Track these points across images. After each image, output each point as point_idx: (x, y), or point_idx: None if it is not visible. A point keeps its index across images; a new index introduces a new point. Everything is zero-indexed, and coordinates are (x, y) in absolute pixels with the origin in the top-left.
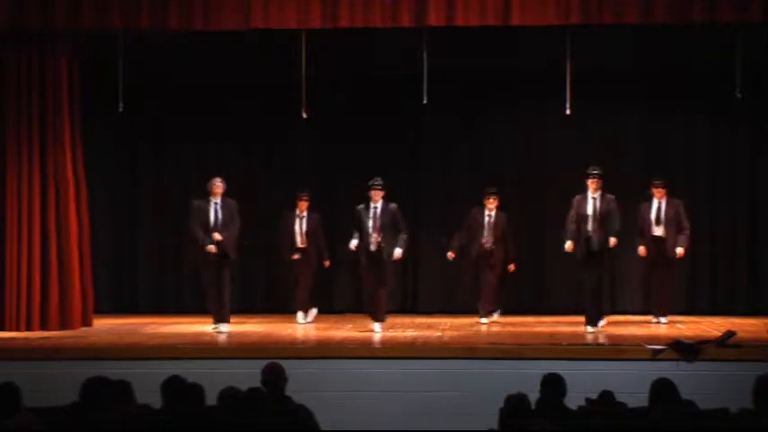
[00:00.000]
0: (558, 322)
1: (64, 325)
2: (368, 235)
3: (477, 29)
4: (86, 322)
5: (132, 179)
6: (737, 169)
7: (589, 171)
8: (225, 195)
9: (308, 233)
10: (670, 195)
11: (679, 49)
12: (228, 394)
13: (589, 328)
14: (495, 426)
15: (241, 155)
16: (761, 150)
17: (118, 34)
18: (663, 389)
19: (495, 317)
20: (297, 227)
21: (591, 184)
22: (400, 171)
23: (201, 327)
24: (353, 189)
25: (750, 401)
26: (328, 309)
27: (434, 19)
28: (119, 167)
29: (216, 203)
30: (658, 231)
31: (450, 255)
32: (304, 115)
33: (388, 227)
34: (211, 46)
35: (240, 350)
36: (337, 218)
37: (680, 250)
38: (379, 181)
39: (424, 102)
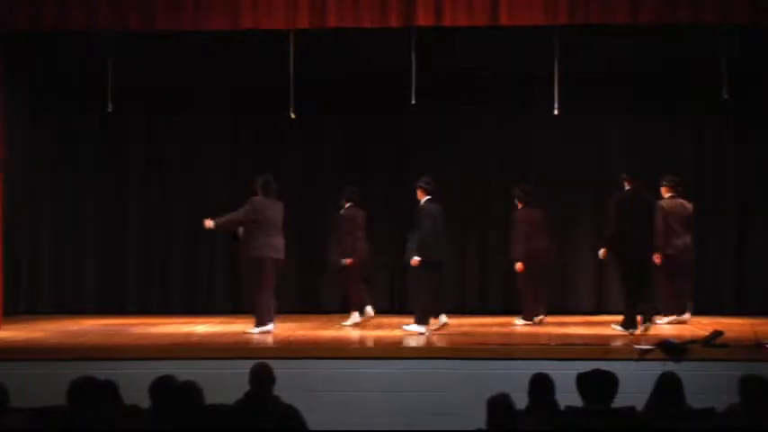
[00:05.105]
0: (546, 322)
1: None
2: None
3: (466, 29)
4: None
5: (120, 179)
6: (723, 170)
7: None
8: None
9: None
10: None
11: (666, 49)
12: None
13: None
14: (482, 426)
15: (229, 154)
16: (747, 151)
17: (106, 34)
18: (669, 385)
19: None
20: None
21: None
22: (388, 171)
23: (190, 327)
24: (341, 189)
25: (737, 401)
26: (316, 309)
27: (423, 19)
28: (107, 167)
29: None
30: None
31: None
32: (292, 115)
33: (414, 227)
34: (200, 46)
35: (228, 350)
36: (325, 218)
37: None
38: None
39: (413, 102)
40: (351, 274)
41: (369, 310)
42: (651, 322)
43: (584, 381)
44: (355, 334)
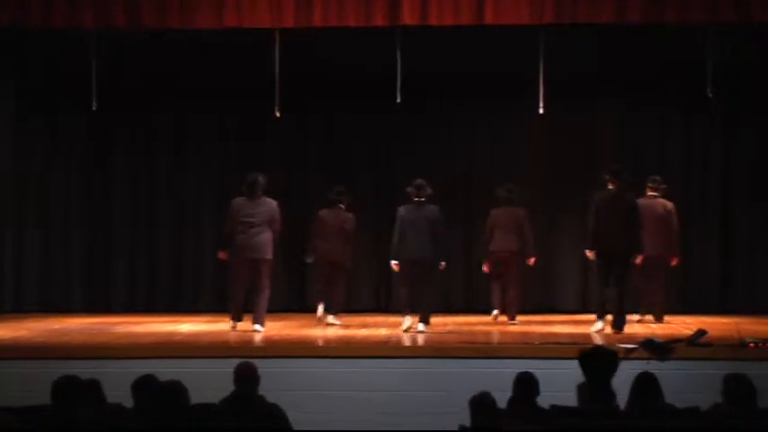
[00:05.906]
0: (529, 321)
1: None
2: None
3: (452, 28)
4: None
5: (107, 178)
6: (710, 168)
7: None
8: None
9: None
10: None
11: (653, 48)
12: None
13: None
14: (467, 424)
15: (215, 154)
16: (733, 149)
17: (92, 33)
18: (646, 383)
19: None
20: None
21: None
22: (373, 170)
23: (174, 326)
24: (327, 188)
25: (721, 400)
26: (304, 308)
27: (408, 18)
28: (93, 166)
29: None
30: None
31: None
32: (277, 114)
33: None
34: (186, 44)
35: (212, 349)
36: (312, 217)
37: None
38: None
39: (398, 101)
40: (316, 273)
41: (319, 309)
42: (606, 322)
43: (586, 357)
44: (341, 333)
